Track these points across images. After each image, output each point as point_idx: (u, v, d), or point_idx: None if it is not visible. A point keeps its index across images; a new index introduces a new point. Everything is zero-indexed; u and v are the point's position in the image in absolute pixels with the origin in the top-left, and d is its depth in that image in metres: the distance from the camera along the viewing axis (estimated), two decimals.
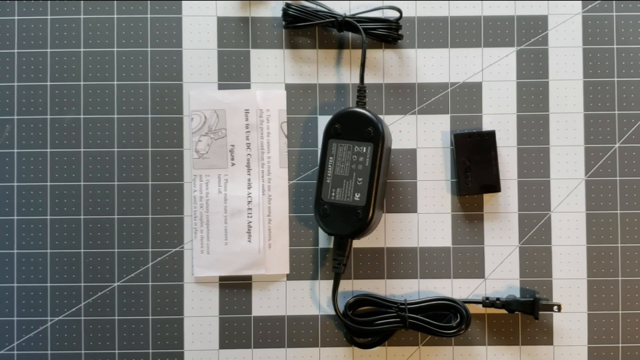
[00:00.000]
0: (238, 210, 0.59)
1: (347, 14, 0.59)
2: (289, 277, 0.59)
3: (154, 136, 0.60)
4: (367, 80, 0.60)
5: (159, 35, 0.60)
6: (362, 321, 0.57)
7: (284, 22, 0.59)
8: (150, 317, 0.59)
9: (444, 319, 0.57)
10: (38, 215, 0.59)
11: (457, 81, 0.60)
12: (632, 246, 0.59)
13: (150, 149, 0.60)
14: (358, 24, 0.58)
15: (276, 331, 0.59)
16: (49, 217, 0.59)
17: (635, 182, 0.59)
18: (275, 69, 0.60)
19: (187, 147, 0.60)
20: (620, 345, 0.59)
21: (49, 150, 0.59)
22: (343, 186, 0.54)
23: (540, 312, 0.57)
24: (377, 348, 0.59)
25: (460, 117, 0.60)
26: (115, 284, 0.59)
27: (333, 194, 0.54)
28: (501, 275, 0.59)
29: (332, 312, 0.59)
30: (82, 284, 0.59)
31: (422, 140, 0.60)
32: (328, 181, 0.55)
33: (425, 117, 0.60)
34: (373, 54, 0.60)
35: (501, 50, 0.60)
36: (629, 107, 0.60)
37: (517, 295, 0.59)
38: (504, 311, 0.59)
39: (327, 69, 0.60)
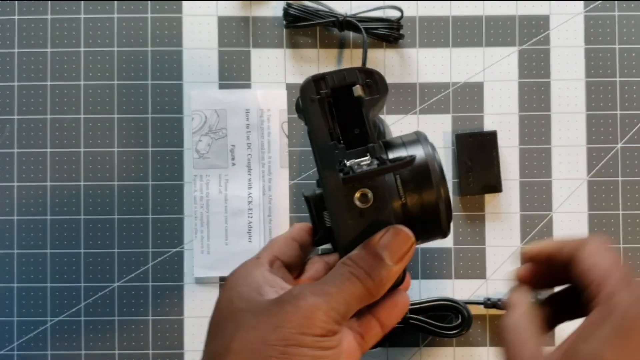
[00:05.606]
0: (238, 210, 0.59)
1: (348, 13, 0.59)
2: None
3: (154, 136, 0.59)
4: None
5: (160, 35, 0.60)
6: None
7: (284, 22, 0.59)
8: (150, 317, 0.59)
9: (445, 320, 0.57)
10: (38, 215, 0.59)
11: (458, 81, 0.60)
12: (634, 247, 0.59)
13: (150, 149, 0.59)
14: (359, 24, 0.57)
15: None
16: (49, 217, 0.59)
17: (638, 183, 0.59)
18: (276, 69, 0.60)
19: (187, 147, 0.59)
20: None
21: (49, 150, 0.59)
22: None
23: None
24: (378, 349, 0.59)
25: (461, 117, 0.59)
26: (116, 284, 0.59)
27: None
28: (503, 276, 0.59)
29: None
30: (82, 284, 0.59)
31: None
32: None
33: (427, 117, 0.59)
34: (374, 54, 0.60)
35: (503, 49, 0.60)
36: (631, 107, 0.59)
37: None
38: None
39: (328, 68, 0.59)
